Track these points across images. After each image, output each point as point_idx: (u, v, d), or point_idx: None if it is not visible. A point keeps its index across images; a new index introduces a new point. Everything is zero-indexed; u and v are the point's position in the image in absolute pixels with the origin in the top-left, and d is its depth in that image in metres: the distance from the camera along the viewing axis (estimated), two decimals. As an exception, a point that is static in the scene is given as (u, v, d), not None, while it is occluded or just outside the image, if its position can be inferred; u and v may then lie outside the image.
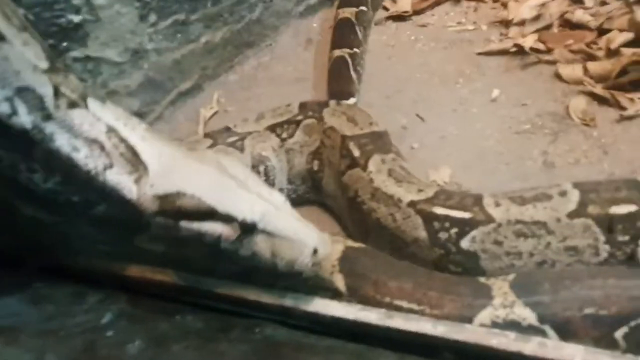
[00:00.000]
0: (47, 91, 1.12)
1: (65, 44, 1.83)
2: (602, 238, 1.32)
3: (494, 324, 1.14)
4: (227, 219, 1.14)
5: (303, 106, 1.84)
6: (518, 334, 1.06)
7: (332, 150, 1.72)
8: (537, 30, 2.41)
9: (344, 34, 2.48)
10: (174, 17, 2.18)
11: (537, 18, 2.44)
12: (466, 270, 1.38)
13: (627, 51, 2.13)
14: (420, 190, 1.44)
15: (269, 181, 1.78)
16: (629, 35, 2.19)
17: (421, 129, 2.08)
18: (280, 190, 1.80)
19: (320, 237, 1.15)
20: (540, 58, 2.27)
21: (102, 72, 1.97)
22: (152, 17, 2.09)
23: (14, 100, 1.08)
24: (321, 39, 2.67)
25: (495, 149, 1.94)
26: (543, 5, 2.47)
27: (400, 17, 2.74)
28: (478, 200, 1.38)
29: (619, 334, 1.15)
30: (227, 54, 2.46)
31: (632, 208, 1.30)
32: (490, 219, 1.35)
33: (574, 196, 1.34)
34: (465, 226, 1.36)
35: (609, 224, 1.30)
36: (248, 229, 1.14)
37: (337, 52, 2.36)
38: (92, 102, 1.18)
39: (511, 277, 1.23)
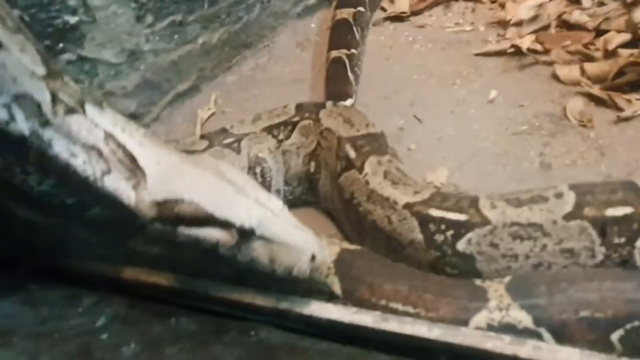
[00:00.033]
0: (44, 97, 1.12)
1: (61, 45, 1.83)
2: (598, 240, 1.32)
3: (490, 327, 1.14)
4: (225, 225, 1.14)
5: (300, 107, 1.83)
6: (513, 337, 1.06)
7: (328, 152, 1.72)
8: (534, 31, 2.40)
9: (342, 35, 2.47)
10: (171, 18, 2.17)
11: (534, 19, 2.43)
12: (462, 272, 1.38)
13: (625, 52, 2.13)
14: (416, 192, 1.44)
15: (266, 183, 1.78)
16: (626, 36, 2.18)
17: (418, 130, 2.07)
18: (277, 191, 1.81)
19: (318, 243, 1.15)
20: (538, 59, 2.27)
21: (99, 73, 1.97)
22: (149, 18, 2.09)
23: (12, 106, 1.08)
24: (319, 40, 2.66)
25: (492, 150, 1.93)
26: (541, 6, 2.46)
27: (397, 18, 2.73)
28: (474, 202, 1.38)
29: (615, 336, 1.14)
30: (224, 55, 2.45)
31: (628, 210, 1.30)
32: (486, 221, 1.35)
33: (570, 198, 1.34)
34: (461, 228, 1.36)
35: (601, 228, 1.30)
36: (246, 235, 1.14)
37: (335, 53, 2.35)
38: (89, 108, 1.19)
39: (507, 279, 1.22)
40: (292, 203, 1.79)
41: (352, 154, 1.60)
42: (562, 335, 1.13)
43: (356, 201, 1.54)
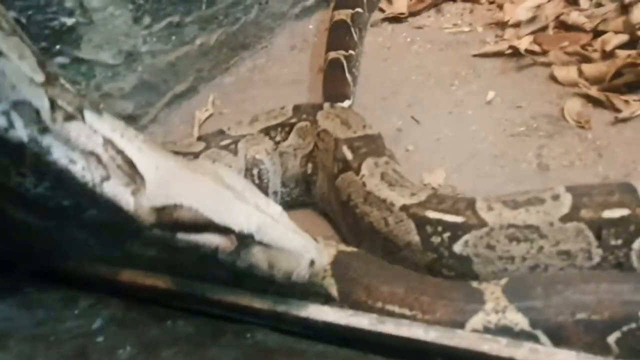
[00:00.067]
0: (43, 104, 1.13)
1: (58, 46, 1.82)
2: (594, 242, 1.32)
3: (486, 329, 1.14)
4: (224, 230, 1.14)
5: (297, 109, 1.83)
6: (510, 339, 1.06)
7: (325, 154, 1.71)
8: (532, 32, 2.40)
9: (340, 36, 2.47)
10: (168, 19, 2.17)
11: (532, 20, 2.43)
12: (459, 274, 1.38)
13: (622, 53, 2.13)
14: (412, 194, 1.44)
15: (263, 184, 1.78)
16: (624, 37, 2.18)
17: (416, 131, 2.07)
18: (274, 193, 1.80)
19: (318, 248, 1.15)
20: (536, 60, 2.27)
21: (96, 74, 1.97)
22: (146, 20, 2.09)
23: (10, 114, 1.09)
24: (317, 41, 2.66)
25: (490, 152, 1.93)
26: (539, 7, 2.46)
27: (396, 19, 2.73)
28: (471, 204, 1.38)
29: (611, 339, 1.14)
30: (222, 56, 2.45)
31: (624, 212, 1.30)
32: (482, 223, 1.35)
33: (567, 200, 1.34)
34: (457, 230, 1.36)
35: (597, 231, 1.30)
36: (245, 240, 1.14)
37: (333, 54, 2.35)
38: (88, 114, 1.19)
39: (504, 281, 1.22)
40: (289, 205, 1.79)
41: (349, 155, 1.60)
42: (559, 337, 1.13)
43: (353, 203, 1.54)
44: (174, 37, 2.21)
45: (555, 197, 1.35)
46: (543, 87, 2.17)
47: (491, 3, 2.72)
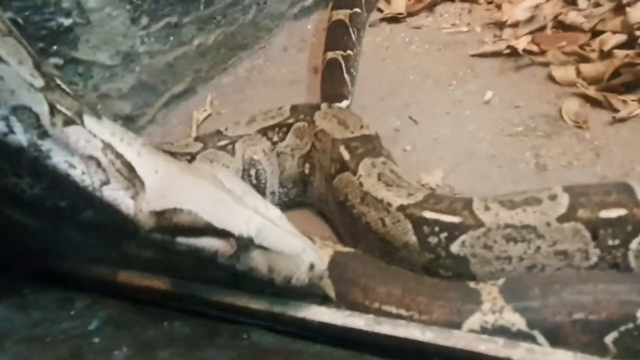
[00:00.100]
0: (42, 109, 1.14)
1: (55, 47, 1.82)
2: (592, 242, 1.31)
3: (483, 330, 1.14)
4: (223, 234, 1.14)
5: (294, 109, 1.83)
6: (507, 340, 1.06)
7: (322, 154, 1.71)
8: (530, 32, 2.40)
9: (338, 36, 2.47)
10: (166, 20, 2.17)
11: (530, 20, 2.43)
12: (456, 274, 1.37)
13: (620, 53, 2.13)
14: (410, 195, 1.44)
15: (260, 185, 1.77)
16: (622, 37, 2.18)
17: (414, 131, 2.07)
18: (272, 193, 1.80)
19: (317, 252, 1.15)
20: (534, 60, 2.27)
21: (93, 75, 1.96)
22: (144, 20, 2.08)
23: (10, 119, 1.10)
24: (315, 41, 2.66)
25: (487, 152, 1.93)
26: (537, 7, 2.46)
27: (394, 19, 2.73)
28: (468, 204, 1.37)
29: (609, 339, 1.14)
30: (220, 57, 2.45)
31: (621, 212, 1.30)
32: (479, 223, 1.34)
33: (564, 200, 1.33)
34: (454, 230, 1.36)
35: (593, 231, 1.30)
36: (245, 244, 1.14)
37: (331, 54, 2.35)
38: (88, 119, 1.20)
39: (501, 281, 1.22)
40: (287, 205, 1.79)
41: (346, 155, 1.60)
42: (556, 337, 1.13)
43: (350, 203, 1.54)
44: (171, 38, 2.20)
45: (553, 197, 1.35)
46: (541, 87, 2.17)
47: (489, 3, 2.72)
